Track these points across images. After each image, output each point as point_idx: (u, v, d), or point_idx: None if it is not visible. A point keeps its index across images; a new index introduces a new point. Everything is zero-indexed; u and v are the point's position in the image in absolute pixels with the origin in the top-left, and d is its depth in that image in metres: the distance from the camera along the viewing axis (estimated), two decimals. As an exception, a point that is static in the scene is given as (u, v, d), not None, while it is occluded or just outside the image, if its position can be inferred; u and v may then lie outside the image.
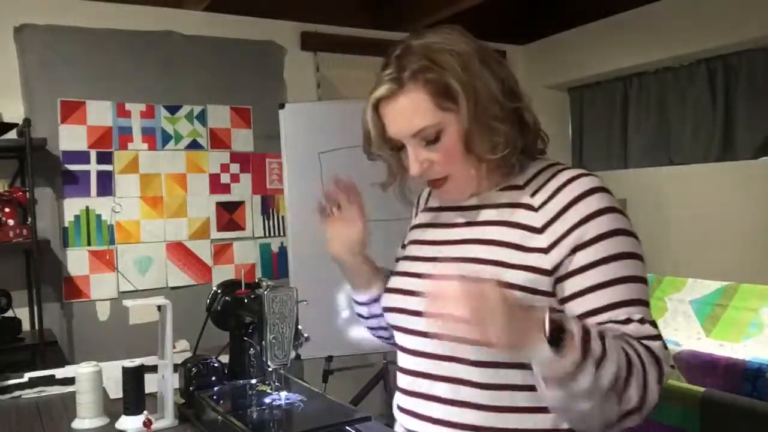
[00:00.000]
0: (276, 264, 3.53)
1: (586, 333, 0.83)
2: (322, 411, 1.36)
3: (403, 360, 1.10)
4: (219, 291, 1.61)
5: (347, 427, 1.24)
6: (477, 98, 0.96)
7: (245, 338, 1.53)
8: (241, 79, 3.44)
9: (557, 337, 0.81)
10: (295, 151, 3.04)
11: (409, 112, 0.99)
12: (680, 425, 1.44)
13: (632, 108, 3.85)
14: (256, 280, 1.44)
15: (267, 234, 3.53)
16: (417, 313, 1.04)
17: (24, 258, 2.89)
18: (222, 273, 3.31)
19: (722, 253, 3.19)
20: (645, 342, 0.89)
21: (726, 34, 3.21)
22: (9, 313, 2.74)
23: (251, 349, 1.51)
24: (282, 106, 3.09)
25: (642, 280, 0.93)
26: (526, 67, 4.37)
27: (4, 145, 2.72)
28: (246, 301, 1.49)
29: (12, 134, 2.75)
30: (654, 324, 0.91)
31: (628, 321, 0.90)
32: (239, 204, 3.46)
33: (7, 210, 2.72)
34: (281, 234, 3.52)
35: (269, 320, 1.31)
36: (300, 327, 1.36)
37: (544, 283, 0.95)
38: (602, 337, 0.84)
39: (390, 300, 1.14)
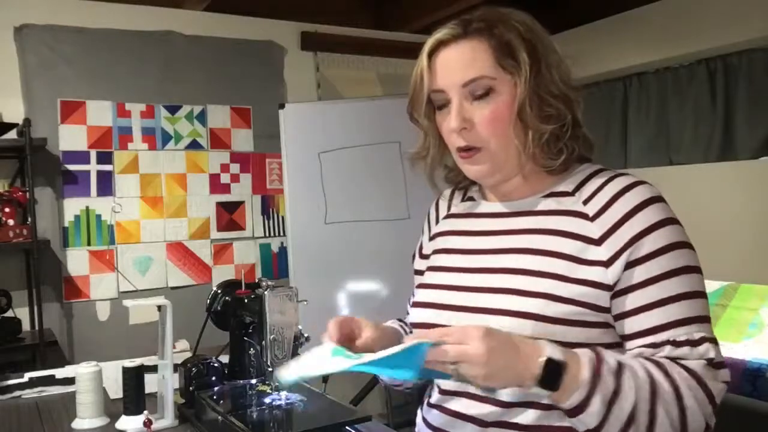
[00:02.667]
0: (276, 264, 3.53)
1: (596, 369, 0.81)
2: (322, 411, 1.36)
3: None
4: (219, 291, 1.61)
5: (347, 427, 1.24)
6: (539, 67, 0.94)
7: (245, 338, 1.53)
8: (241, 79, 3.45)
9: (555, 375, 0.80)
10: (295, 151, 3.05)
11: (467, 59, 0.95)
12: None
13: (632, 108, 3.85)
14: (256, 280, 1.44)
15: (267, 234, 3.53)
16: None
17: (24, 258, 2.89)
18: (222, 273, 3.31)
19: (722, 253, 3.19)
20: (689, 364, 0.84)
21: (726, 34, 3.21)
22: (9, 313, 2.74)
23: (251, 349, 1.51)
24: (282, 106, 3.09)
25: (702, 294, 0.89)
26: (526, 67, 4.37)
27: (4, 145, 2.73)
28: (246, 301, 1.49)
29: (12, 134, 2.76)
30: (713, 341, 0.87)
31: (682, 343, 0.86)
32: (239, 204, 3.46)
33: (7, 210, 2.72)
34: (281, 234, 3.52)
35: (269, 320, 1.31)
36: (300, 327, 1.36)
37: (603, 298, 0.89)
38: (619, 371, 0.82)
39: (421, 315, 1.05)
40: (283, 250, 3.51)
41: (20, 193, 2.75)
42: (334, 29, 3.70)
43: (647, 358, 0.86)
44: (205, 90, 3.36)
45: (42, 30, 2.98)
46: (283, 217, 3.48)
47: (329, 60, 3.69)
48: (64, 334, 2.97)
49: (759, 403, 1.37)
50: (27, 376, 1.73)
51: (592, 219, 0.93)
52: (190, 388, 1.46)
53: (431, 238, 1.16)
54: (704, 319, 0.88)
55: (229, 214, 3.44)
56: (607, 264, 0.89)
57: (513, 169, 1.00)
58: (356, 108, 3.11)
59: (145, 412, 1.39)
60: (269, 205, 3.55)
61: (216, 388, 1.47)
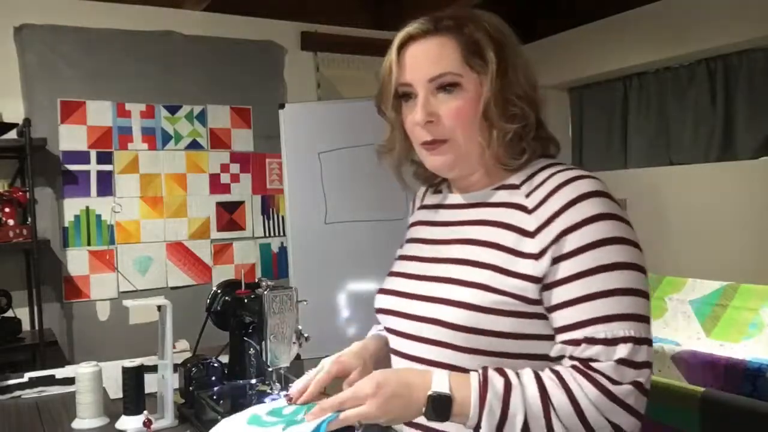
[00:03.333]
0: (276, 264, 3.53)
1: (481, 395, 0.84)
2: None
3: (396, 364, 1.06)
4: (219, 291, 1.61)
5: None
6: (506, 68, 0.96)
7: (245, 338, 1.53)
8: (241, 79, 3.45)
9: (442, 407, 0.85)
10: (295, 151, 3.04)
11: (435, 55, 0.97)
12: (680, 425, 1.44)
13: (632, 108, 3.85)
14: (256, 280, 1.44)
15: (267, 234, 3.53)
16: (408, 316, 1.02)
17: (24, 258, 2.89)
18: (222, 273, 3.31)
19: (722, 253, 3.19)
20: (597, 365, 0.85)
21: (726, 34, 3.21)
22: (9, 313, 2.74)
23: (251, 349, 1.51)
24: (282, 106, 3.09)
25: (636, 292, 0.87)
26: (526, 67, 4.37)
27: (4, 145, 2.73)
28: (246, 301, 1.49)
29: (12, 134, 2.76)
30: (636, 339, 0.85)
31: (598, 341, 0.85)
32: (239, 204, 3.46)
33: (7, 210, 2.72)
34: (281, 234, 3.52)
35: (269, 320, 1.31)
36: (300, 327, 1.36)
37: (534, 290, 0.91)
38: (506, 392, 0.84)
39: (383, 301, 1.11)
40: (283, 250, 3.51)
41: (20, 193, 2.75)
42: (334, 29, 3.70)
43: (551, 369, 0.88)
44: (205, 90, 3.36)
45: (42, 30, 2.98)
46: (283, 217, 3.48)
47: (329, 60, 3.69)
48: (64, 334, 2.97)
49: (759, 403, 1.37)
50: (27, 376, 1.73)
51: (531, 212, 0.94)
52: (190, 388, 1.46)
53: (408, 228, 1.22)
54: (631, 317, 0.86)
55: (229, 214, 3.44)
56: (537, 257, 0.91)
57: (474, 165, 1.02)
58: (356, 108, 3.10)
59: (145, 412, 1.39)
60: (269, 205, 3.55)
61: (216, 388, 1.47)
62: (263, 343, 1.32)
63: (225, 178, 3.43)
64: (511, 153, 0.99)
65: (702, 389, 1.43)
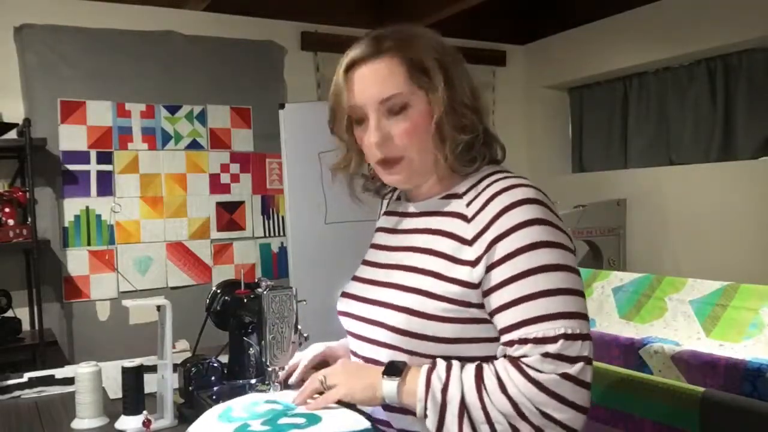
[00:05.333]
0: (276, 264, 3.53)
1: (428, 374, 0.92)
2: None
3: None
4: (219, 291, 1.61)
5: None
6: (452, 81, 1.00)
7: (245, 338, 1.53)
8: (241, 79, 3.45)
9: (397, 367, 0.95)
10: (295, 151, 3.04)
11: (383, 77, 1.00)
12: (680, 425, 1.44)
13: (632, 108, 3.86)
14: (256, 280, 1.44)
15: (267, 234, 3.53)
16: (361, 319, 1.07)
17: (24, 258, 2.89)
18: (222, 273, 3.31)
19: (722, 253, 3.19)
20: (525, 360, 0.88)
21: (726, 34, 3.22)
22: (9, 313, 2.74)
23: (251, 349, 1.51)
24: (282, 106, 3.08)
25: (566, 291, 0.90)
26: (526, 67, 4.37)
27: (4, 145, 2.73)
28: (246, 301, 1.49)
29: (12, 134, 2.76)
30: (572, 336, 0.88)
31: (528, 341, 0.89)
32: (239, 204, 3.47)
33: (7, 210, 2.72)
34: (281, 234, 3.52)
35: (269, 320, 1.31)
36: (300, 327, 1.36)
37: (472, 295, 0.95)
38: (447, 374, 0.92)
39: (341, 305, 1.16)
40: (283, 250, 3.51)
41: (20, 193, 2.75)
42: (334, 29, 3.70)
43: (491, 362, 0.94)
44: (205, 90, 3.36)
45: (42, 30, 2.98)
46: (283, 217, 3.48)
47: (329, 60, 3.69)
48: (64, 334, 2.97)
49: (759, 403, 1.37)
50: (26, 376, 1.73)
51: (469, 221, 0.98)
52: (190, 388, 1.46)
53: (374, 232, 1.28)
54: (562, 315, 0.89)
55: (229, 214, 3.44)
56: (473, 264, 0.95)
57: (428, 176, 1.06)
58: (356, 108, 3.10)
59: (145, 412, 1.39)
60: (269, 205, 3.55)
61: (215, 388, 1.47)
62: (263, 342, 1.32)
63: (225, 178, 3.43)
64: (462, 161, 1.02)
65: (702, 389, 1.43)
